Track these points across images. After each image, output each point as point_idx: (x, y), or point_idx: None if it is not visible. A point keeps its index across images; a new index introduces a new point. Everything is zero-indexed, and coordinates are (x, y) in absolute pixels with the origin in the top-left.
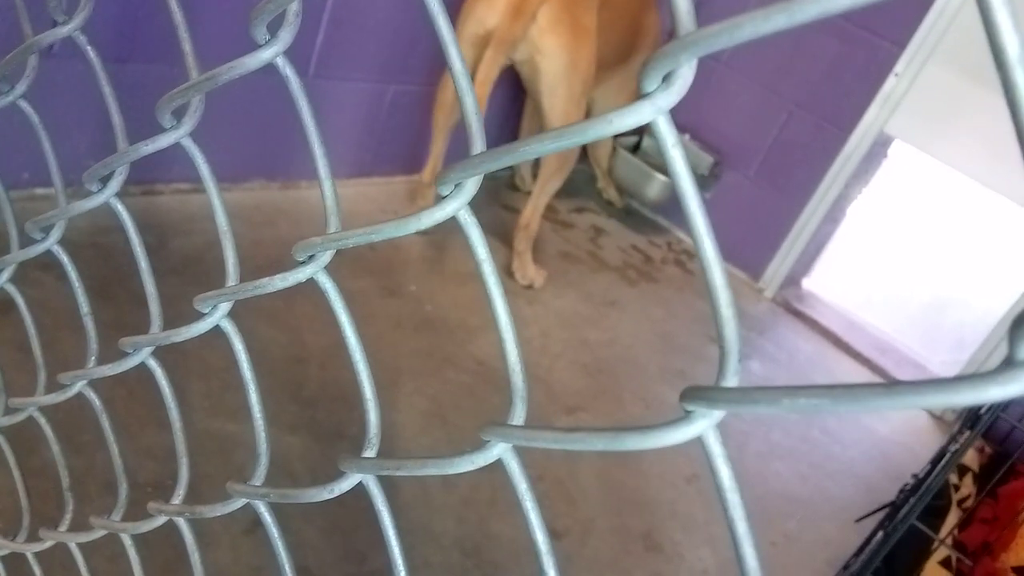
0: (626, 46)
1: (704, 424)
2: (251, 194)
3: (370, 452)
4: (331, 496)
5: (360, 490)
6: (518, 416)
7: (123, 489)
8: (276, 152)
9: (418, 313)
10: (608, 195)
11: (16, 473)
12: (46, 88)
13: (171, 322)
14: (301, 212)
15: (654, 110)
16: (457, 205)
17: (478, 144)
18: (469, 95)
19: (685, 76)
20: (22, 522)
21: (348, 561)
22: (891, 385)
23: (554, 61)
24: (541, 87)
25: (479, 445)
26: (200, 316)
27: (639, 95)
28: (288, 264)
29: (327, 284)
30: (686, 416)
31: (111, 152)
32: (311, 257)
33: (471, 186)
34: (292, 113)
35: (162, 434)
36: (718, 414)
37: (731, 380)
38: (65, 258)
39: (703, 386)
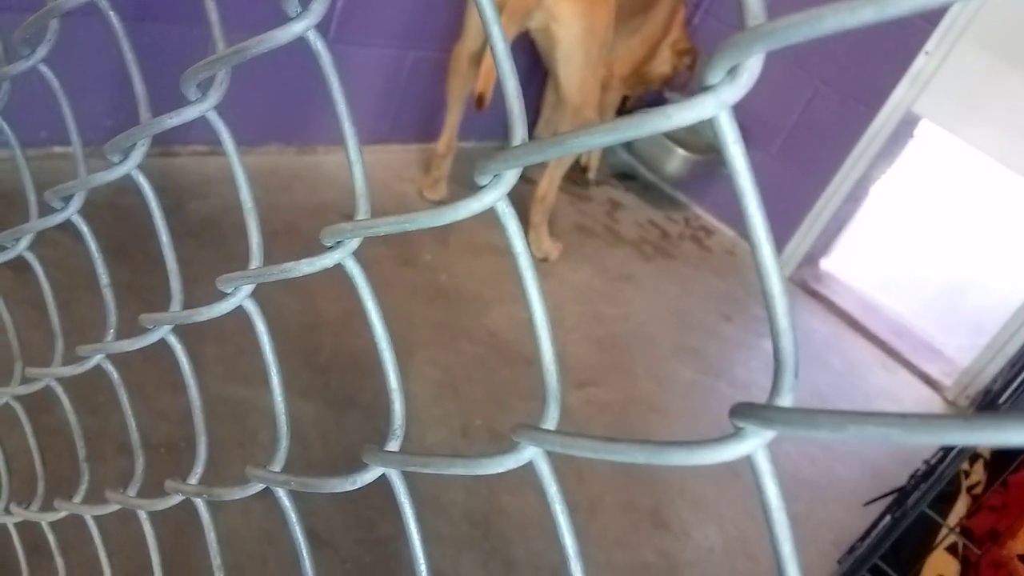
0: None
1: (755, 443)
2: (267, 158)
3: (394, 445)
4: (353, 487)
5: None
6: (552, 418)
7: (140, 463)
8: (293, 116)
9: (433, 283)
10: (589, 164)
11: (32, 441)
12: (63, 46)
13: (187, 285)
14: (317, 177)
15: (717, 104)
16: (496, 196)
17: (519, 132)
18: (512, 79)
19: (752, 69)
20: (36, 488)
21: (357, 527)
22: (970, 418)
23: (571, 29)
24: (557, 55)
25: (510, 446)
26: (222, 295)
27: (701, 87)
28: (303, 229)
29: (355, 270)
30: (736, 433)
31: (128, 111)
32: (339, 243)
33: (511, 177)
34: (310, 78)
35: (176, 396)
36: (770, 433)
37: (786, 398)
38: (85, 228)
39: (756, 404)
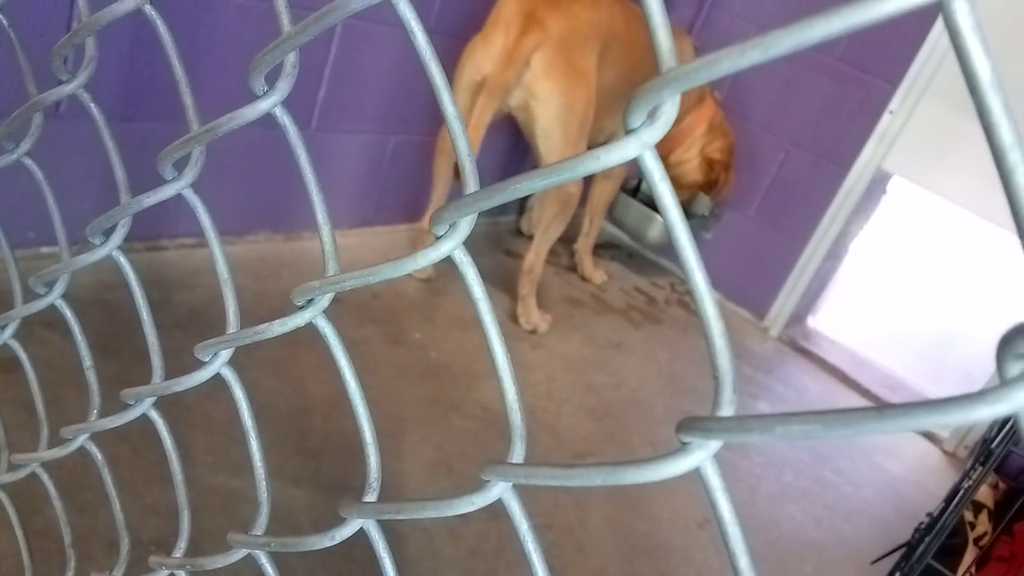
0: (643, 76)
1: (701, 455)
2: (255, 247)
3: (371, 496)
4: (332, 543)
5: (366, 541)
6: (517, 454)
7: (124, 544)
8: (279, 204)
9: (422, 361)
10: (583, 269)
11: (19, 532)
12: (53, 148)
13: (175, 375)
14: (304, 263)
15: (639, 145)
16: (452, 244)
17: (471, 184)
18: (462, 138)
19: (668, 112)
20: None
21: None
22: (882, 408)
23: (549, 106)
24: (536, 131)
25: (479, 485)
26: (201, 365)
27: (625, 131)
28: (290, 312)
29: (326, 327)
30: (683, 448)
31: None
32: (310, 301)
33: (465, 225)
34: (294, 166)
35: (166, 491)
36: (715, 445)
37: (726, 410)
38: (68, 311)
39: (698, 416)
